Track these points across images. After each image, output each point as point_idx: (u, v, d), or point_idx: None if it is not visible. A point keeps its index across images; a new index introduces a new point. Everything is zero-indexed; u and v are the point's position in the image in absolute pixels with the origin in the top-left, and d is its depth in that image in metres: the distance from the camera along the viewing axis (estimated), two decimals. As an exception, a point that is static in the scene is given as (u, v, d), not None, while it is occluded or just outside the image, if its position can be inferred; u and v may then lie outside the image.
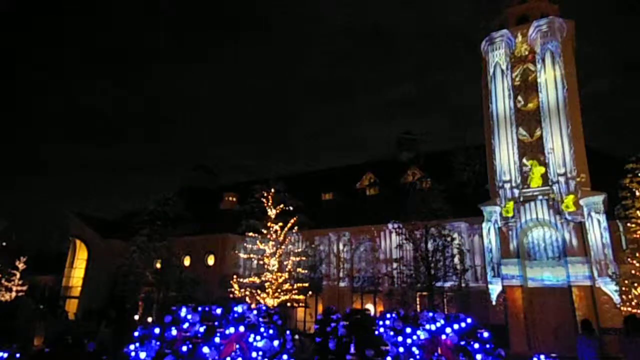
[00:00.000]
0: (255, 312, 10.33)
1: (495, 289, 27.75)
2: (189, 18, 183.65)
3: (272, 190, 31.53)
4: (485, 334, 10.12)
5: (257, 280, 30.89)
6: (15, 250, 40.05)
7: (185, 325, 9.51)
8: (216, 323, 9.60)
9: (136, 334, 9.41)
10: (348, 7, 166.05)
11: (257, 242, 31.20)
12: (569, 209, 26.75)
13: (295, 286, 30.99)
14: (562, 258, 26.78)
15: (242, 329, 9.51)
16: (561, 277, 26.50)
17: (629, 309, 22.06)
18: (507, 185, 29.17)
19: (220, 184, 57.84)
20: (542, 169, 28.46)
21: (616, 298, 23.92)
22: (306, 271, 33.83)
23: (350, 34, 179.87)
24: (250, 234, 32.00)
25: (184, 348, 9.10)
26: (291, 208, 31.46)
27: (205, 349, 8.91)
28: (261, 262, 31.80)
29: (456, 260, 28.20)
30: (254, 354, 9.61)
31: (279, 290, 30.03)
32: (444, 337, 10.08)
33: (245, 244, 36.24)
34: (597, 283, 25.12)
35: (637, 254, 22.31)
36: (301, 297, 31.62)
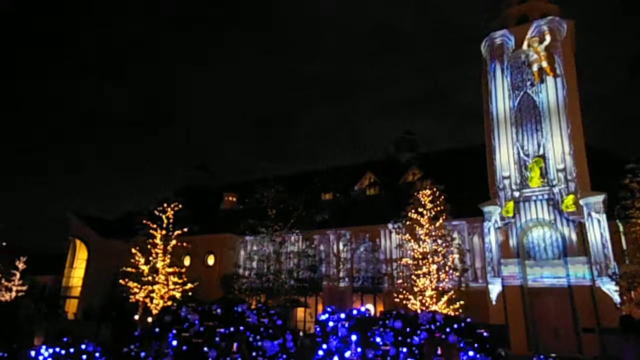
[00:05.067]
0: (255, 312, 10.33)
1: (495, 289, 27.75)
2: (189, 18, 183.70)
3: (272, 190, 31.50)
4: (485, 334, 10.13)
5: (257, 280, 30.88)
6: (15, 250, 40.00)
7: (185, 325, 9.51)
8: (216, 323, 9.60)
9: (136, 334, 9.41)
10: (350, 6, 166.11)
11: (257, 242, 31.19)
12: (569, 209, 26.76)
13: (295, 286, 30.97)
14: (562, 258, 26.78)
15: (242, 329, 9.52)
16: (561, 277, 26.49)
17: (629, 308, 22.05)
18: (507, 185, 29.17)
19: (220, 184, 57.78)
20: (542, 169, 28.43)
21: (616, 298, 23.91)
22: (306, 271, 33.80)
23: (353, 34, 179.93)
24: (250, 234, 31.97)
25: (184, 348, 9.10)
26: (291, 208, 31.43)
27: (205, 349, 8.92)
28: (261, 262, 31.79)
29: (456, 260, 28.18)
30: (254, 354, 9.61)
31: (278, 290, 30.02)
32: (444, 337, 10.08)
33: (245, 244, 36.25)
34: (597, 283, 25.13)
35: (637, 254, 22.31)
36: (301, 297, 31.61)
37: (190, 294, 30.38)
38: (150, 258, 30.38)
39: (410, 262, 26.40)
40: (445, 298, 24.86)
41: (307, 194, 37.44)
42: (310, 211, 33.82)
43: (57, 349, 12.23)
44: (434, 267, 25.73)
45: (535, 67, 30.11)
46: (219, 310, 9.91)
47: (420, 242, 26.24)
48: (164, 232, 30.65)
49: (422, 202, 26.86)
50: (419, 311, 13.11)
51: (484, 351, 9.73)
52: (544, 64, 29.65)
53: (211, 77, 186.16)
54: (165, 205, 31.11)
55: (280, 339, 10.26)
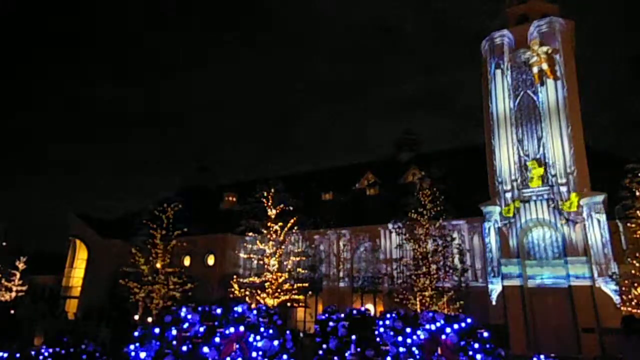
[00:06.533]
0: (255, 312, 10.33)
1: (495, 289, 27.75)
2: (189, 18, 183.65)
3: (272, 190, 31.53)
4: (485, 334, 10.14)
5: (257, 280, 30.90)
6: (15, 250, 40.00)
7: (185, 325, 9.51)
8: (216, 323, 9.60)
9: (136, 334, 9.41)
10: (350, 7, 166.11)
11: (257, 242, 31.22)
12: (569, 209, 26.75)
13: (295, 286, 30.99)
14: (562, 258, 26.77)
15: (242, 329, 9.52)
16: (561, 277, 26.49)
17: (629, 309, 22.08)
18: (507, 185, 29.17)
19: (220, 184, 57.81)
20: (542, 169, 28.42)
21: (616, 298, 23.92)
22: (306, 271, 33.82)
23: (353, 34, 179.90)
24: (250, 234, 31.99)
25: (184, 348, 9.10)
26: (291, 208, 31.45)
27: (205, 349, 8.92)
28: (261, 262, 31.81)
29: (456, 260, 28.21)
30: (254, 354, 9.61)
31: (279, 290, 30.04)
32: (444, 337, 10.09)
33: (245, 244, 36.25)
34: (597, 283, 25.11)
35: (637, 254, 22.33)
36: (301, 297, 31.62)
37: (190, 294, 30.42)
38: (150, 258, 30.40)
39: (410, 262, 26.45)
40: (445, 298, 24.89)
41: (307, 193, 37.46)
42: (310, 211, 33.81)
43: (57, 349, 12.25)
44: (434, 267, 25.77)
45: (535, 70, 30.03)
46: (219, 311, 9.91)
47: (420, 242, 26.27)
48: (163, 232, 30.68)
49: (422, 202, 26.90)
50: (419, 311, 13.11)
51: (484, 351, 9.74)
52: (544, 66, 29.59)
53: (211, 77, 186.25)
54: (165, 205, 31.15)
55: (280, 339, 10.25)
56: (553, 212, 27.29)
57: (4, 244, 40.10)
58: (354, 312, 13.82)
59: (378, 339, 10.61)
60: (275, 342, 9.99)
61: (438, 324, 10.30)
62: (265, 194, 31.45)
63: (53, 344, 13.16)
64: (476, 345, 9.79)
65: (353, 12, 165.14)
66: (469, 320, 10.31)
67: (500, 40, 32.05)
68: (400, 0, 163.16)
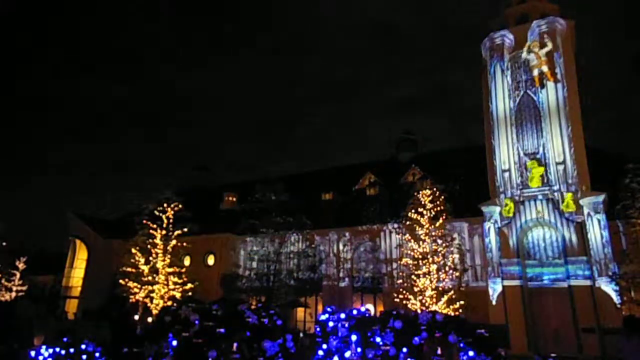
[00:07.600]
0: (255, 312, 10.33)
1: (495, 289, 27.74)
2: (190, 19, 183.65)
3: (273, 194, 31.47)
4: (485, 334, 10.13)
5: (257, 280, 30.88)
6: (15, 250, 39.99)
7: (185, 325, 9.51)
8: (216, 323, 9.60)
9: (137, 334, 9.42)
10: (350, 6, 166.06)
11: (257, 242, 31.20)
12: (569, 209, 26.73)
13: (295, 286, 30.98)
14: (562, 258, 26.76)
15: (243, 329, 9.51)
16: (561, 277, 26.48)
17: (629, 309, 22.07)
18: (507, 185, 29.16)
19: (220, 184, 57.82)
20: (542, 169, 28.42)
21: (616, 298, 23.91)
22: (306, 271, 33.80)
23: (353, 34, 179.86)
24: (250, 233, 31.97)
25: (184, 348, 9.10)
26: (291, 208, 31.45)
27: (205, 349, 8.92)
28: (261, 262, 31.80)
29: (456, 260, 28.20)
30: (254, 354, 9.61)
31: (278, 290, 30.03)
32: (443, 337, 10.08)
33: (245, 244, 36.24)
34: (597, 283, 25.09)
35: (637, 254, 22.32)
36: (301, 297, 31.61)
37: (190, 294, 30.41)
38: (150, 258, 30.41)
39: (410, 262, 26.42)
40: (445, 298, 24.85)
41: (307, 193, 37.42)
42: (310, 211, 33.76)
43: (57, 349, 12.24)
44: (434, 267, 25.74)
45: (536, 72, 29.97)
46: (219, 311, 9.91)
47: (420, 242, 26.25)
48: (164, 232, 30.68)
49: (422, 202, 26.89)
50: (419, 311, 13.10)
51: (484, 351, 9.72)
52: (545, 69, 29.53)
53: (211, 77, 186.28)
54: (165, 205, 31.14)
55: (280, 339, 10.25)
56: (553, 212, 27.26)
57: (4, 244, 40.07)
58: (354, 312, 13.81)
59: (378, 339, 10.59)
60: (275, 342, 9.98)
61: (438, 324, 10.29)
62: (266, 194, 31.39)
63: (53, 344, 13.15)
64: (476, 345, 9.78)
65: (353, 12, 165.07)
66: (468, 320, 10.31)
67: (500, 40, 32.03)
68: (401, 0, 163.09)
